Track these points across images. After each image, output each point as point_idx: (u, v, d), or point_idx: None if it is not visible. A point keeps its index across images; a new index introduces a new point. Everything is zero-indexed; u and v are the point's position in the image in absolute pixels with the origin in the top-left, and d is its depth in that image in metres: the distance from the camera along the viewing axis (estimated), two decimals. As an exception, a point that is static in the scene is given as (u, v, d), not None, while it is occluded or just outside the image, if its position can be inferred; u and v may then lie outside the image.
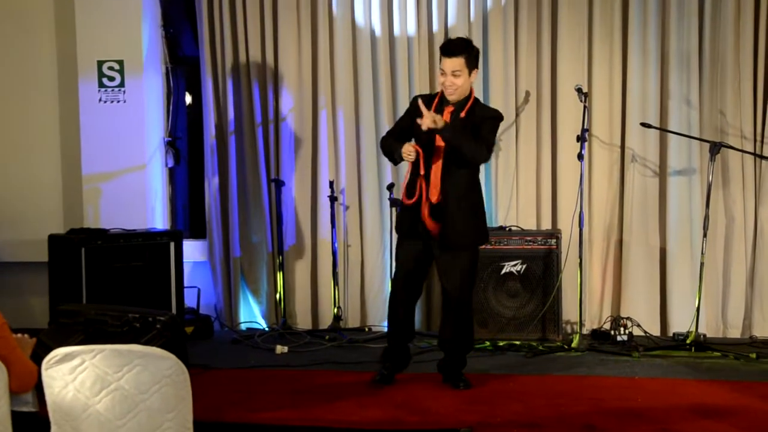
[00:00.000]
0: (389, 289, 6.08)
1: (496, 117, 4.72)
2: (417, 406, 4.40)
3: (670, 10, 5.88)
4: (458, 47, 4.59)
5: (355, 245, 6.32)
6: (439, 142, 4.60)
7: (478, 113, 4.66)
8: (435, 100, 4.69)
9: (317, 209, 6.34)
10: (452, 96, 4.62)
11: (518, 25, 6.07)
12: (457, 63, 4.55)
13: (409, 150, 4.58)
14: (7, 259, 6.48)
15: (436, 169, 4.62)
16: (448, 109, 4.66)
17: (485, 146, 4.62)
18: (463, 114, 4.62)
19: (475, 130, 4.59)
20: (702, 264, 5.53)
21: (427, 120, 4.45)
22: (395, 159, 4.75)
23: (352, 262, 6.32)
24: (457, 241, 4.64)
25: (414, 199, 4.64)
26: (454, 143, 4.52)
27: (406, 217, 4.76)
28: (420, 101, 4.61)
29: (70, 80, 6.43)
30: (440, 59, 4.64)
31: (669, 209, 5.97)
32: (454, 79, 4.56)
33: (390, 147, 4.76)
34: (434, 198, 4.62)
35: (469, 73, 4.60)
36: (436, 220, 4.62)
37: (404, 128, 4.82)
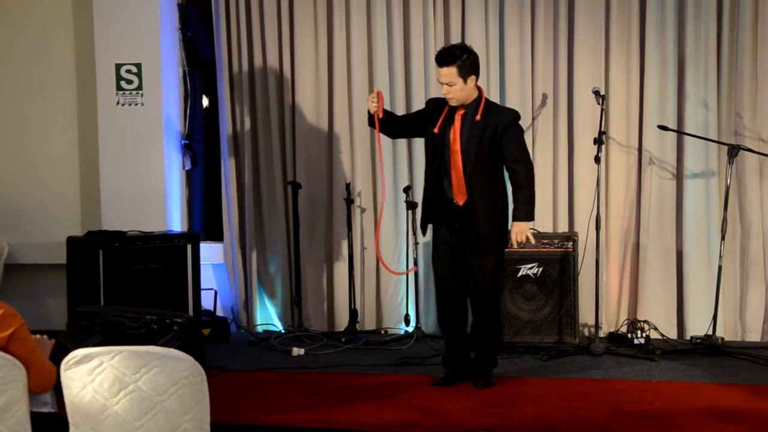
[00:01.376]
0: (404, 291, 6.12)
1: (516, 119, 4.71)
2: (433, 408, 4.39)
3: (688, 12, 5.85)
4: (449, 57, 4.59)
5: (371, 248, 6.32)
6: (455, 145, 4.62)
7: (494, 115, 4.66)
8: (447, 105, 4.71)
9: (333, 212, 6.35)
10: (453, 102, 4.65)
11: (535, 27, 6.06)
12: (448, 73, 4.57)
13: (372, 96, 4.66)
14: (26, 261, 6.52)
15: (456, 171, 4.64)
16: (460, 112, 4.67)
17: (527, 163, 4.68)
18: (478, 117, 4.62)
19: (496, 136, 4.59)
20: (720, 267, 5.50)
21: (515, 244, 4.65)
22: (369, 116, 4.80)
23: (368, 264, 6.33)
24: (485, 245, 4.67)
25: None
26: (533, 203, 4.69)
27: (433, 209, 4.78)
28: (433, 105, 4.78)
29: (88, 83, 6.47)
30: (437, 70, 4.68)
31: (686, 212, 5.94)
32: (450, 88, 4.59)
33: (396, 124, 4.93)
34: (460, 200, 4.65)
35: (465, 81, 4.59)
36: (463, 223, 4.66)
37: (414, 118, 4.92)
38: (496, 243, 4.71)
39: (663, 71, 5.91)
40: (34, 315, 4.66)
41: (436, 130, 4.69)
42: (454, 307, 4.84)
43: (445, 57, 4.60)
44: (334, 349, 5.75)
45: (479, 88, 4.70)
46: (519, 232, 4.63)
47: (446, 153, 4.66)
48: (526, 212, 4.67)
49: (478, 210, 4.63)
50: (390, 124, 4.85)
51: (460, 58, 4.57)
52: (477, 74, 4.67)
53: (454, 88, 4.57)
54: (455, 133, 4.65)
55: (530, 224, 4.73)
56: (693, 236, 5.92)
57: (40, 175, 6.62)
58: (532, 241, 4.69)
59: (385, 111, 4.75)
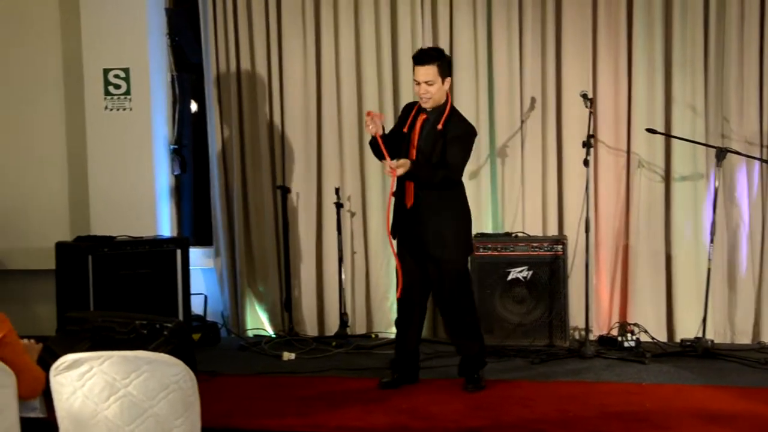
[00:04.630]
0: (394, 296, 6.10)
1: (470, 134, 4.73)
2: (423, 412, 4.39)
3: (675, 16, 5.87)
4: (430, 56, 4.63)
5: (361, 252, 6.32)
6: (412, 149, 4.66)
7: (452, 126, 4.66)
8: (414, 109, 4.75)
9: (323, 216, 6.35)
10: (427, 104, 4.66)
11: (522, 30, 6.07)
12: (429, 72, 4.59)
13: (366, 120, 4.61)
14: (15, 267, 6.51)
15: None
16: (422, 117, 4.69)
17: (452, 170, 4.63)
18: (440, 126, 4.64)
19: (446, 143, 4.61)
20: (709, 270, 5.52)
21: (387, 170, 4.48)
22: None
23: (358, 268, 6.33)
24: (434, 251, 4.68)
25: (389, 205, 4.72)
26: (423, 182, 4.57)
27: (394, 224, 4.81)
28: (406, 109, 4.83)
29: (76, 88, 6.45)
30: (413, 69, 4.67)
31: (675, 215, 5.96)
32: (428, 87, 4.60)
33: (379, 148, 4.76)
34: (408, 203, 4.69)
35: (442, 81, 4.63)
36: (410, 226, 4.68)
37: (395, 132, 4.85)
38: (448, 248, 4.67)
39: (650, 74, 5.93)
40: (23, 321, 4.63)
41: (405, 130, 4.73)
42: (408, 313, 4.86)
43: (425, 55, 4.64)
44: (324, 353, 5.74)
45: (447, 95, 4.73)
46: (400, 165, 4.45)
47: (407, 156, 4.68)
48: (418, 173, 4.55)
49: (422, 213, 4.66)
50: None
51: (439, 58, 4.63)
52: (451, 76, 4.72)
53: (432, 87, 4.60)
54: (414, 137, 4.69)
55: (402, 170, 4.46)
56: (682, 239, 5.94)
57: (29, 180, 6.61)
58: (396, 171, 4.45)
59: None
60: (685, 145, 5.84)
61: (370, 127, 4.58)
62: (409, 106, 4.87)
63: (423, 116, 4.71)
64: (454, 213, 4.75)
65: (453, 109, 4.75)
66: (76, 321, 4.44)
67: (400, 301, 4.90)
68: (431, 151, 4.64)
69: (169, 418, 2.62)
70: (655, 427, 4.13)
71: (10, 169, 6.61)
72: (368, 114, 4.63)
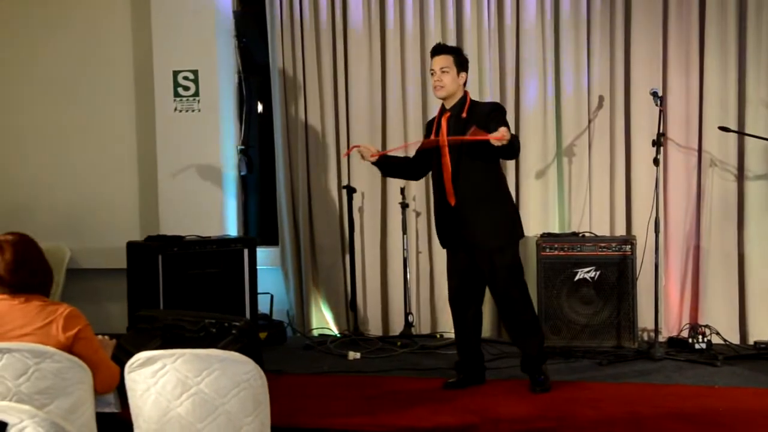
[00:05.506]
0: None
1: (501, 107, 4.80)
2: (490, 412, 4.36)
3: (749, 11, 5.74)
4: (447, 47, 4.81)
5: (425, 252, 6.31)
6: (444, 148, 4.65)
7: (478, 110, 4.71)
8: (435, 119, 4.81)
9: (387, 216, 6.36)
10: (440, 92, 4.70)
11: (591, 28, 6.00)
12: (445, 60, 4.69)
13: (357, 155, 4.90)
14: (87, 266, 6.65)
15: (446, 172, 4.65)
16: (446, 115, 4.72)
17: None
18: (464, 114, 4.66)
19: (480, 125, 4.53)
20: (783, 270, 5.39)
21: (499, 138, 4.35)
22: None
23: (422, 268, 6.32)
24: (484, 243, 4.65)
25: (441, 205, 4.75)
26: (515, 149, 4.52)
27: (439, 225, 4.84)
28: (428, 125, 4.96)
29: (146, 90, 6.58)
30: (431, 62, 4.76)
31: (748, 214, 5.82)
32: (442, 75, 4.66)
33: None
34: (452, 201, 4.66)
35: (458, 73, 4.69)
36: (457, 224, 4.68)
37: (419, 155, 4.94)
38: (498, 239, 4.66)
39: (723, 71, 5.80)
40: (95, 319, 4.68)
41: (433, 137, 4.75)
42: (462, 313, 4.84)
43: (443, 47, 4.81)
44: (389, 353, 5.75)
45: (465, 91, 4.75)
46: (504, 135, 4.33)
47: (439, 156, 4.70)
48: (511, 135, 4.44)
49: (467, 208, 4.64)
50: (396, 165, 5.06)
51: (456, 51, 4.76)
52: (467, 73, 4.76)
53: (447, 75, 4.65)
54: (443, 135, 4.68)
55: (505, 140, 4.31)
56: (755, 239, 5.80)
57: (100, 181, 6.75)
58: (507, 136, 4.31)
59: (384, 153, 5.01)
60: (758, 143, 5.70)
61: (364, 156, 4.84)
62: (431, 122, 4.93)
63: (447, 114, 4.74)
64: (499, 201, 4.73)
65: (473, 100, 4.78)
66: (147, 319, 4.50)
67: (453, 302, 4.88)
68: (461, 143, 4.59)
69: (239, 416, 2.65)
70: (729, 431, 4.03)
71: (83, 170, 6.77)
72: (347, 153, 4.75)
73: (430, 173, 4.90)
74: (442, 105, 4.79)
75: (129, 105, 6.72)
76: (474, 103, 4.77)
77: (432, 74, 4.73)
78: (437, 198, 4.79)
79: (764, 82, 5.76)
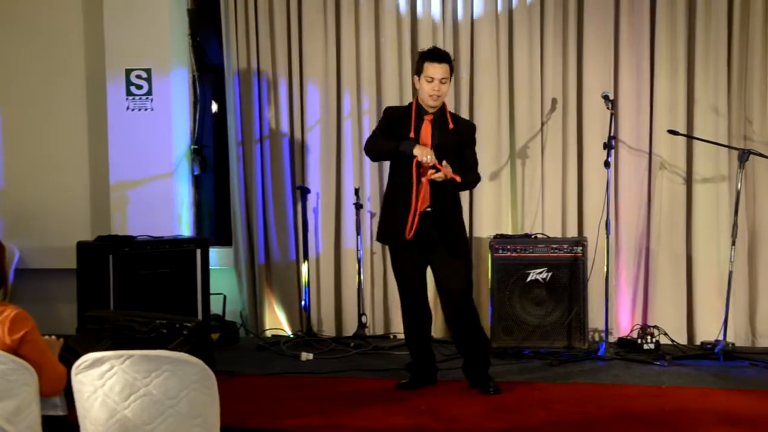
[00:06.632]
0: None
1: (475, 129, 4.84)
2: (442, 413, 4.38)
3: (698, 16, 5.84)
4: (446, 55, 4.65)
5: (379, 253, 6.32)
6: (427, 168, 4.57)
7: (461, 125, 4.73)
8: (412, 112, 4.65)
9: (342, 216, 6.36)
10: (436, 102, 4.62)
11: (544, 31, 6.06)
12: (445, 70, 4.59)
13: (425, 152, 4.45)
14: (36, 266, 6.55)
15: (425, 179, 4.52)
16: (428, 118, 4.64)
17: (476, 170, 4.76)
18: (451, 126, 4.64)
19: (461, 143, 4.63)
20: (730, 272, 5.47)
21: (440, 177, 4.42)
22: (391, 150, 4.57)
23: (376, 269, 6.33)
24: (458, 247, 4.67)
25: (413, 208, 4.55)
26: (467, 185, 4.67)
27: (395, 226, 4.63)
28: (393, 113, 4.75)
29: (98, 88, 6.50)
30: (423, 66, 4.59)
31: (696, 217, 5.93)
32: (441, 86, 4.58)
33: (384, 141, 4.63)
34: (425, 206, 4.57)
35: (450, 81, 4.69)
36: (430, 227, 4.60)
37: (390, 136, 4.69)
38: (467, 244, 4.77)
39: (673, 75, 5.90)
40: (44, 320, 4.62)
41: (412, 135, 4.60)
42: (415, 316, 4.83)
43: (444, 54, 4.64)
44: (342, 353, 5.75)
45: None
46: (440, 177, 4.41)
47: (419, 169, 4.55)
48: (465, 174, 4.56)
49: (446, 214, 4.64)
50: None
51: (450, 60, 4.67)
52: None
53: (445, 86, 4.60)
54: (426, 139, 4.60)
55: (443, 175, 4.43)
56: (703, 241, 5.91)
57: (50, 180, 6.66)
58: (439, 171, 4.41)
59: None
60: (707, 146, 5.80)
61: (428, 157, 4.44)
62: (397, 110, 4.78)
63: (429, 117, 4.63)
64: (460, 211, 4.80)
65: (449, 111, 4.76)
66: (97, 320, 4.45)
67: (406, 306, 4.85)
68: (449, 154, 4.56)
69: (188, 417, 2.63)
70: (675, 430, 4.10)
71: (33, 168, 6.67)
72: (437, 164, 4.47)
73: (394, 170, 4.73)
74: (418, 105, 4.65)
75: (80, 103, 6.64)
76: (454, 115, 4.77)
77: (428, 81, 4.55)
78: (402, 200, 4.59)
79: (712, 86, 5.86)
